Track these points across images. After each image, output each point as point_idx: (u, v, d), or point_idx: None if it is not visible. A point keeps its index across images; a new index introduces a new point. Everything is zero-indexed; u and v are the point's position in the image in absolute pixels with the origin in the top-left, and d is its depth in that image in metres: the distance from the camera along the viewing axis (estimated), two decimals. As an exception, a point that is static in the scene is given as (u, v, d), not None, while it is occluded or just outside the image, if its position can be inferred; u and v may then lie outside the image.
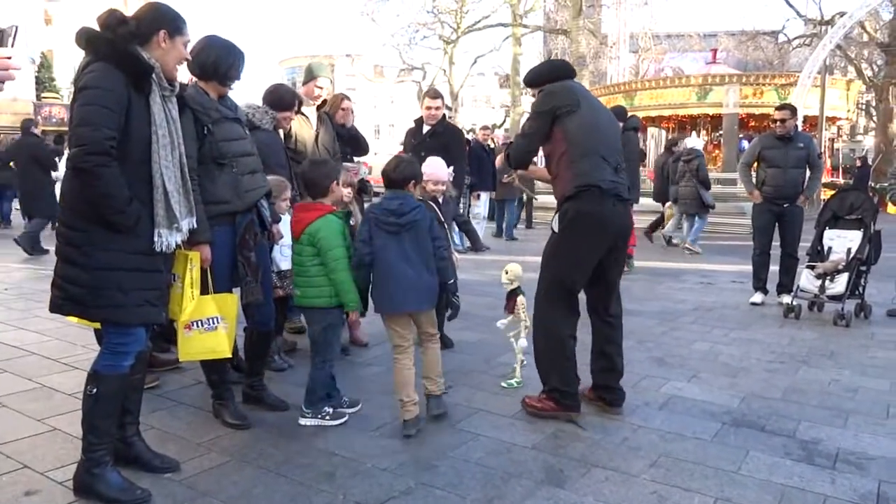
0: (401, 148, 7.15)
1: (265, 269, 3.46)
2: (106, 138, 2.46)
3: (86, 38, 2.56)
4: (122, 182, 2.51)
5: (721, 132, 23.54)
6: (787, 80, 20.99)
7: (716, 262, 9.56)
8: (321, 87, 4.93)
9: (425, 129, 6.14)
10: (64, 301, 2.56)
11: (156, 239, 2.64)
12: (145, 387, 3.80)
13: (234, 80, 3.38)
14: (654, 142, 24.47)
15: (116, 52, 2.54)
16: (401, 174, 3.43)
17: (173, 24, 2.72)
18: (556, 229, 3.51)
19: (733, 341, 5.12)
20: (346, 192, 3.74)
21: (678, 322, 5.74)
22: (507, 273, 4.09)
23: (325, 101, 5.17)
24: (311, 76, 4.95)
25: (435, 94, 6.28)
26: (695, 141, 12.51)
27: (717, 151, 24.06)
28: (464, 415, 3.54)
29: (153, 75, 2.64)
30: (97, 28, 2.58)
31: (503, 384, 4.05)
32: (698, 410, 3.65)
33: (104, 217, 2.50)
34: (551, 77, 3.62)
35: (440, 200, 4.72)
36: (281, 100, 4.22)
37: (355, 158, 5.54)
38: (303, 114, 4.87)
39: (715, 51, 28.08)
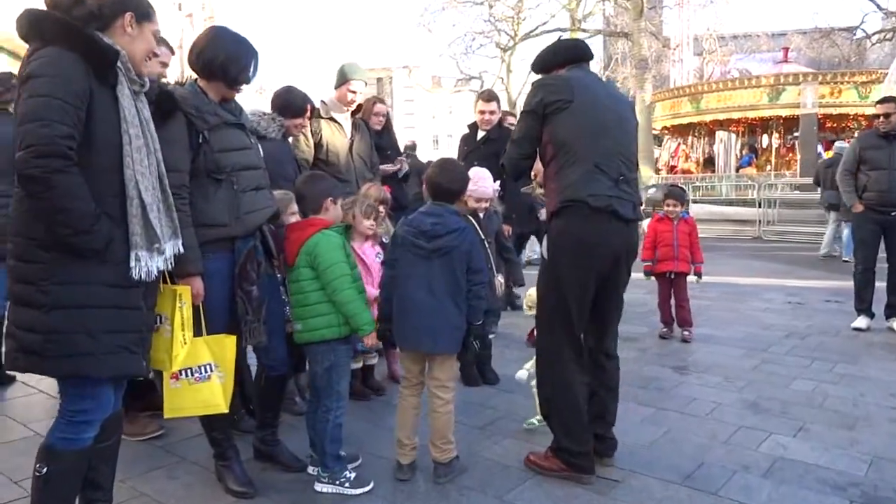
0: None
1: (273, 303, 2.87)
2: (60, 136, 1.92)
3: (28, 21, 2.04)
4: (86, 192, 1.98)
5: (795, 134, 22.17)
6: (868, 78, 19.53)
7: (802, 276, 8.60)
8: (354, 91, 4.37)
9: (479, 134, 5.54)
10: (17, 354, 2.02)
11: (132, 264, 2.09)
12: (147, 437, 3.35)
13: (245, 83, 2.82)
14: (723, 146, 23.22)
15: (70, 33, 2.01)
16: (454, 184, 2.86)
17: (141, 8, 2.19)
18: (544, 254, 2.93)
19: (841, 379, 4.29)
20: (381, 210, 3.15)
21: (770, 353, 4.91)
22: (529, 297, 3.45)
23: (360, 107, 4.62)
24: (343, 79, 4.39)
25: (489, 96, 5.66)
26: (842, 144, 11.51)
27: (790, 155, 22.70)
28: (515, 482, 2.88)
29: (119, 63, 2.10)
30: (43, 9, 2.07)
31: (525, 424, 3.42)
32: (814, 480, 2.88)
33: (62, 240, 1.96)
34: (556, 61, 3.00)
35: (480, 216, 4.11)
36: (290, 105, 3.68)
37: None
38: (335, 120, 4.34)
39: (786, 49, 26.67)
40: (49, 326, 1.98)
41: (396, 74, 77.19)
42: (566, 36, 29.00)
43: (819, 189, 10.72)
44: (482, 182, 3.97)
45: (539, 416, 3.29)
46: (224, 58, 2.70)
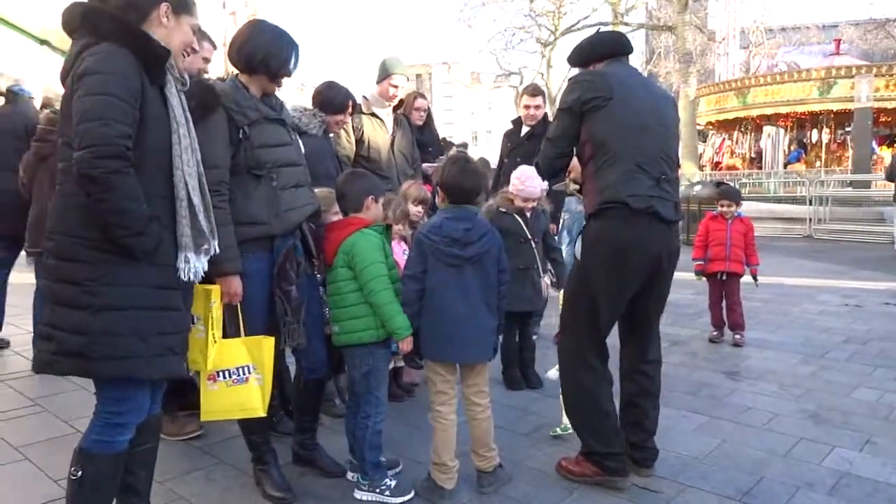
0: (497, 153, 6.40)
1: (312, 304, 2.79)
2: (119, 136, 1.89)
3: (82, 14, 1.99)
4: (141, 193, 1.94)
5: (847, 129, 21.43)
6: (926, 70, 18.78)
7: (858, 277, 8.24)
8: (396, 86, 4.27)
9: (524, 130, 5.38)
10: (57, 356, 1.95)
11: (182, 266, 2.08)
12: (186, 437, 3.31)
13: (287, 76, 2.75)
14: (770, 141, 22.58)
15: (126, 30, 1.97)
16: (473, 183, 2.71)
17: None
18: (577, 255, 2.84)
19: (907, 388, 4.05)
20: (417, 210, 3.03)
21: (828, 359, 4.68)
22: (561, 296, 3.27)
23: (401, 102, 4.53)
24: (385, 73, 4.29)
25: (534, 91, 5.47)
26: None
27: (841, 150, 21.97)
28: (561, 493, 2.74)
29: (168, 62, 2.07)
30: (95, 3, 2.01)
31: (551, 433, 3.29)
32: (885, 499, 2.68)
33: (117, 241, 1.93)
34: (594, 55, 2.87)
35: (528, 215, 3.98)
36: (331, 101, 3.59)
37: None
38: (376, 116, 4.25)
39: (839, 41, 25.81)
40: (97, 328, 1.93)
41: (435, 71, 77.16)
42: (609, 29, 28.55)
43: (894, 185, 10.50)
44: (529, 181, 3.84)
45: (565, 423, 3.19)
46: (265, 52, 2.63)
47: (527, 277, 3.99)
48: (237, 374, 2.49)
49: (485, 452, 2.75)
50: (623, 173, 2.62)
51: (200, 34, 3.42)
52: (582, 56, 2.91)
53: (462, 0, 31.04)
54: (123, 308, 1.96)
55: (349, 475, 2.87)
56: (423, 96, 4.89)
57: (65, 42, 2.10)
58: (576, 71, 2.98)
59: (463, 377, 2.75)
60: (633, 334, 2.92)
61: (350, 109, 3.81)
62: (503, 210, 3.97)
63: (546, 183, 3.84)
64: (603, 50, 2.87)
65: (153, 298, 2.03)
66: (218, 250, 2.26)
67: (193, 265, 2.11)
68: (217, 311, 2.40)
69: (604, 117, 2.66)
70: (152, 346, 2.01)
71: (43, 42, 11.66)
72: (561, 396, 2.98)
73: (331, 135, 3.77)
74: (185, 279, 2.11)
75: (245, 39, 2.66)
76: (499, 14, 35.60)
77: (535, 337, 4.47)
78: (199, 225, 2.12)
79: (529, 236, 4.00)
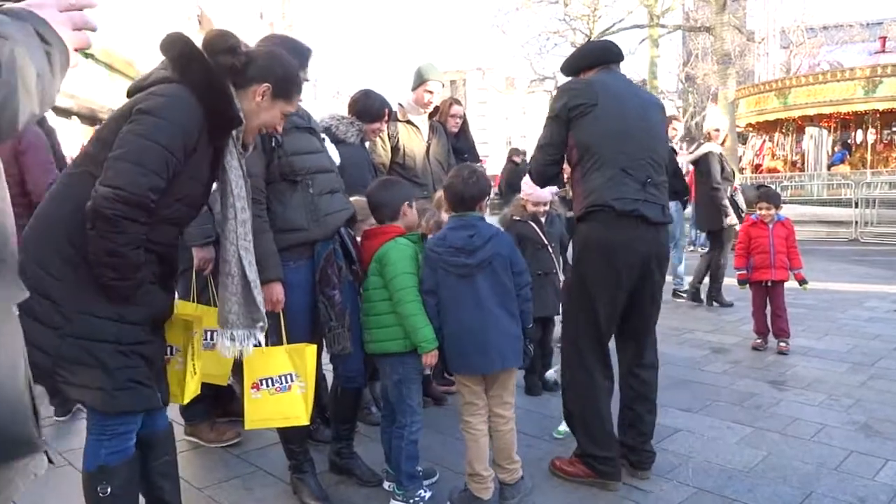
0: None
1: (354, 311, 2.78)
2: (152, 189, 1.85)
3: (179, 51, 1.93)
4: (142, 242, 1.91)
5: (894, 129, 20.81)
6: (977, 67, 18.13)
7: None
8: (431, 92, 4.24)
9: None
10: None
11: (227, 343, 2.11)
12: (225, 444, 3.33)
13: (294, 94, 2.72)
14: (813, 142, 22.04)
15: (210, 85, 1.94)
16: (475, 189, 2.67)
17: (283, 84, 2.14)
18: (569, 260, 2.87)
19: (964, 398, 3.88)
20: (445, 217, 2.99)
21: (878, 368, 4.51)
22: None
23: (437, 109, 4.51)
24: (420, 80, 4.28)
25: None
26: None
27: (888, 151, 21.32)
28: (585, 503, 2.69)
29: (234, 132, 2.06)
30: (197, 43, 1.99)
31: (555, 434, 3.28)
32: (945, 517, 2.57)
33: (100, 278, 1.87)
34: (584, 64, 2.96)
35: (542, 221, 3.94)
36: (368, 110, 3.59)
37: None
38: (412, 123, 4.24)
39: (884, 39, 25.02)
40: (63, 352, 1.86)
41: (470, 76, 77.31)
42: (645, 32, 28.28)
43: None
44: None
45: (565, 426, 3.21)
46: (284, 71, 2.59)
47: (547, 283, 3.95)
48: (280, 383, 2.49)
49: (508, 465, 2.71)
50: (609, 178, 2.70)
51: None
52: (573, 66, 3.00)
53: (496, 6, 31.11)
54: (92, 339, 1.89)
55: (385, 484, 2.85)
56: (458, 103, 4.86)
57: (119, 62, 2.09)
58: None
59: (487, 387, 2.70)
60: (629, 339, 2.98)
61: (386, 117, 3.81)
62: (517, 218, 3.97)
63: (556, 187, 3.82)
64: (592, 59, 2.96)
65: (127, 334, 1.94)
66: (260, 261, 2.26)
67: (240, 342, 2.13)
68: (198, 342, 2.33)
69: (589, 123, 2.74)
70: (118, 380, 1.92)
71: (87, 55, 11.94)
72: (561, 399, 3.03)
73: (366, 143, 3.77)
74: (230, 357, 2.14)
75: (265, 56, 2.64)
76: (533, 19, 35.53)
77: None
78: (254, 301, 2.12)
79: (546, 242, 3.97)
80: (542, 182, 3.12)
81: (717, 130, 6.81)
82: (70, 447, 3.25)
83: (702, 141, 6.79)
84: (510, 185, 10.34)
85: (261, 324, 2.15)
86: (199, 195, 2.09)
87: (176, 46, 1.95)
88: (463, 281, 2.58)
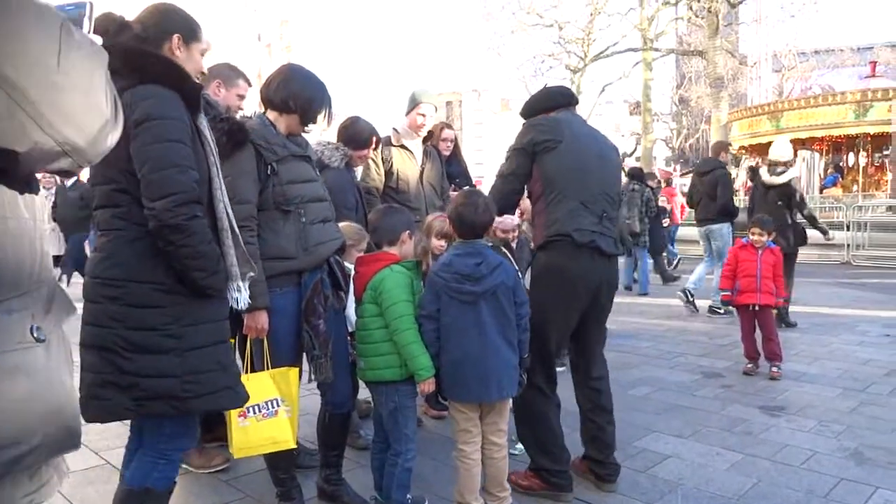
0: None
1: (339, 339, 2.79)
2: (195, 182, 1.95)
3: (124, 55, 1.91)
4: (210, 233, 2.01)
5: (885, 152, 20.99)
6: (966, 92, 18.35)
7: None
8: (423, 115, 4.27)
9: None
10: (141, 402, 1.94)
11: (235, 295, 2.15)
12: (213, 469, 3.31)
13: (315, 122, 2.81)
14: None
15: (171, 70, 1.99)
16: (487, 217, 2.73)
17: (187, 27, 2.15)
18: (526, 285, 3.07)
19: (954, 425, 3.88)
20: (440, 244, 3.01)
21: (870, 394, 4.52)
22: None
23: (431, 133, 4.53)
24: (413, 104, 4.31)
25: None
26: None
27: (879, 174, 21.51)
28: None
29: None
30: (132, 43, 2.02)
31: (512, 450, 3.21)
32: (933, 546, 2.57)
33: (196, 283, 1.97)
34: (547, 106, 3.17)
35: (513, 246, 3.96)
36: (357, 136, 3.61)
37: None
38: (406, 148, 4.27)
39: (874, 63, 25.35)
40: (187, 368, 1.96)
41: (466, 98, 77.83)
42: (639, 55, 28.60)
43: None
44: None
45: (520, 445, 3.26)
46: (310, 95, 2.70)
47: None
48: (267, 409, 2.51)
49: (498, 492, 2.70)
50: (570, 210, 2.90)
51: (235, 72, 3.48)
52: (535, 107, 3.19)
53: (492, 29, 31.39)
54: (207, 345, 2.02)
55: (374, 512, 2.84)
56: (449, 127, 4.89)
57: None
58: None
59: (482, 415, 2.70)
60: (579, 357, 3.18)
61: (373, 145, 3.84)
62: (489, 243, 3.99)
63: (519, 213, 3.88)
64: (553, 101, 3.17)
65: (224, 331, 2.11)
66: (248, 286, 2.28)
67: (244, 294, 2.17)
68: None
69: (553, 158, 2.94)
70: (232, 374, 2.08)
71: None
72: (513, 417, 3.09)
73: (356, 168, 3.78)
74: (238, 308, 2.18)
75: (288, 80, 2.70)
76: (528, 42, 35.77)
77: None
78: (244, 252, 2.18)
79: (516, 267, 3.99)
80: (501, 210, 3.19)
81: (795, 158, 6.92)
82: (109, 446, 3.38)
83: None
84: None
85: (251, 273, 2.21)
86: (205, 171, 2.11)
87: (120, 56, 1.88)
88: (466, 308, 2.58)
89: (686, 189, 10.48)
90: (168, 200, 1.87)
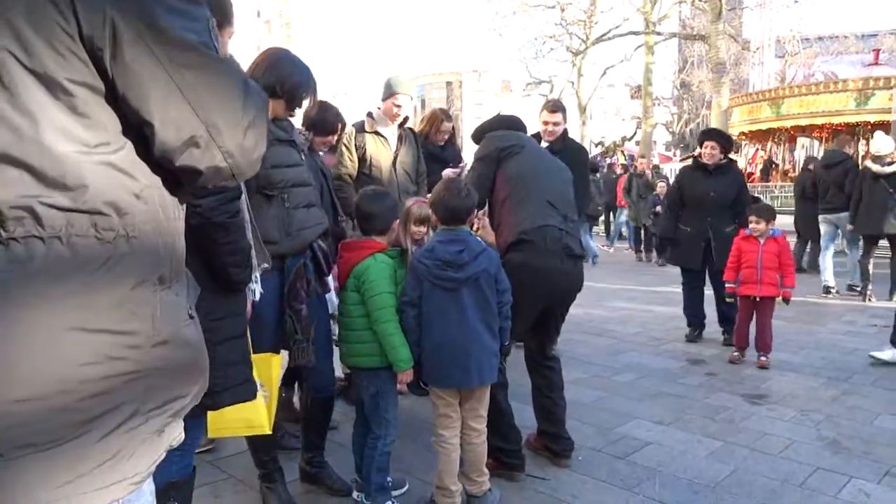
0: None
1: (321, 323, 2.81)
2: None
3: None
4: (245, 229, 2.05)
5: (885, 142, 20.94)
6: (968, 81, 18.26)
7: (888, 297, 8.00)
8: (399, 105, 4.26)
9: (542, 146, 5.34)
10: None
11: (253, 287, 2.22)
12: (199, 451, 3.34)
13: (301, 107, 2.80)
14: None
15: None
16: (469, 202, 2.72)
17: (222, 12, 2.08)
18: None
19: (933, 416, 3.93)
20: (419, 230, 2.99)
21: (853, 383, 4.56)
22: None
23: (406, 119, 4.48)
24: (389, 92, 4.28)
25: (554, 106, 5.39)
26: None
27: (879, 163, 21.47)
28: (568, 519, 2.73)
29: None
30: None
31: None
32: (901, 536, 2.61)
33: (231, 277, 2.01)
34: (500, 128, 3.44)
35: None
36: (322, 123, 3.54)
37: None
38: (379, 134, 4.26)
39: (877, 51, 25.23)
40: (218, 362, 1.97)
41: (466, 78, 77.34)
42: (641, 39, 28.41)
43: None
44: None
45: None
46: (298, 80, 2.66)
47: None
48: (244, 392, 2.52)
49: (476, 477, 2.74)
50: (537, 208, 3.04)
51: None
52: (484, 131, 3.43)
53: (493, 9, 31.18)
54: (235, 336, 2.07)
55: (355, 494, 2.88)
56: (448, 119, 4.89)
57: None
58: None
59: (462, 400, 2.73)
60: (537, 344, 3.29)
61: (338, 132, 3.82)
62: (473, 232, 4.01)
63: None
64: (505, 126, 3.45)
65: (244, 324, 2.15)
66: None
67: (259, 284, 2.22)
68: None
69: (519, 161, 3.15)
70: (250, 366, 2.14)
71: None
72: None
73: (321, 152, 3.69)
74: (256, 299, 2.24)
75: (274, 64, 2.67)
76: (529, 23, 35.54)
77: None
78: (259, 243, 2.20)
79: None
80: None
81: None
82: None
83: (890, 159, 7.40)
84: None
85: (266, 265, 2.26)
86: None
87: None
88: (449, 295, 2.60)
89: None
90: (214, 199, 1.87)
